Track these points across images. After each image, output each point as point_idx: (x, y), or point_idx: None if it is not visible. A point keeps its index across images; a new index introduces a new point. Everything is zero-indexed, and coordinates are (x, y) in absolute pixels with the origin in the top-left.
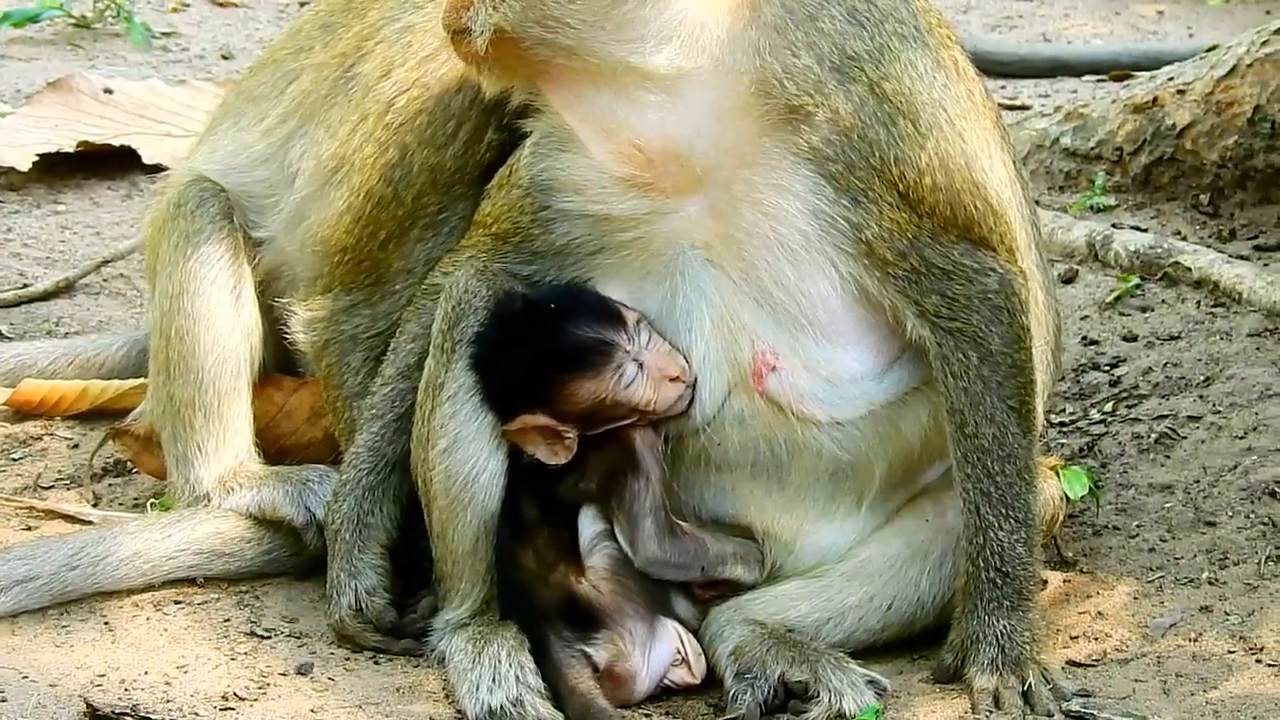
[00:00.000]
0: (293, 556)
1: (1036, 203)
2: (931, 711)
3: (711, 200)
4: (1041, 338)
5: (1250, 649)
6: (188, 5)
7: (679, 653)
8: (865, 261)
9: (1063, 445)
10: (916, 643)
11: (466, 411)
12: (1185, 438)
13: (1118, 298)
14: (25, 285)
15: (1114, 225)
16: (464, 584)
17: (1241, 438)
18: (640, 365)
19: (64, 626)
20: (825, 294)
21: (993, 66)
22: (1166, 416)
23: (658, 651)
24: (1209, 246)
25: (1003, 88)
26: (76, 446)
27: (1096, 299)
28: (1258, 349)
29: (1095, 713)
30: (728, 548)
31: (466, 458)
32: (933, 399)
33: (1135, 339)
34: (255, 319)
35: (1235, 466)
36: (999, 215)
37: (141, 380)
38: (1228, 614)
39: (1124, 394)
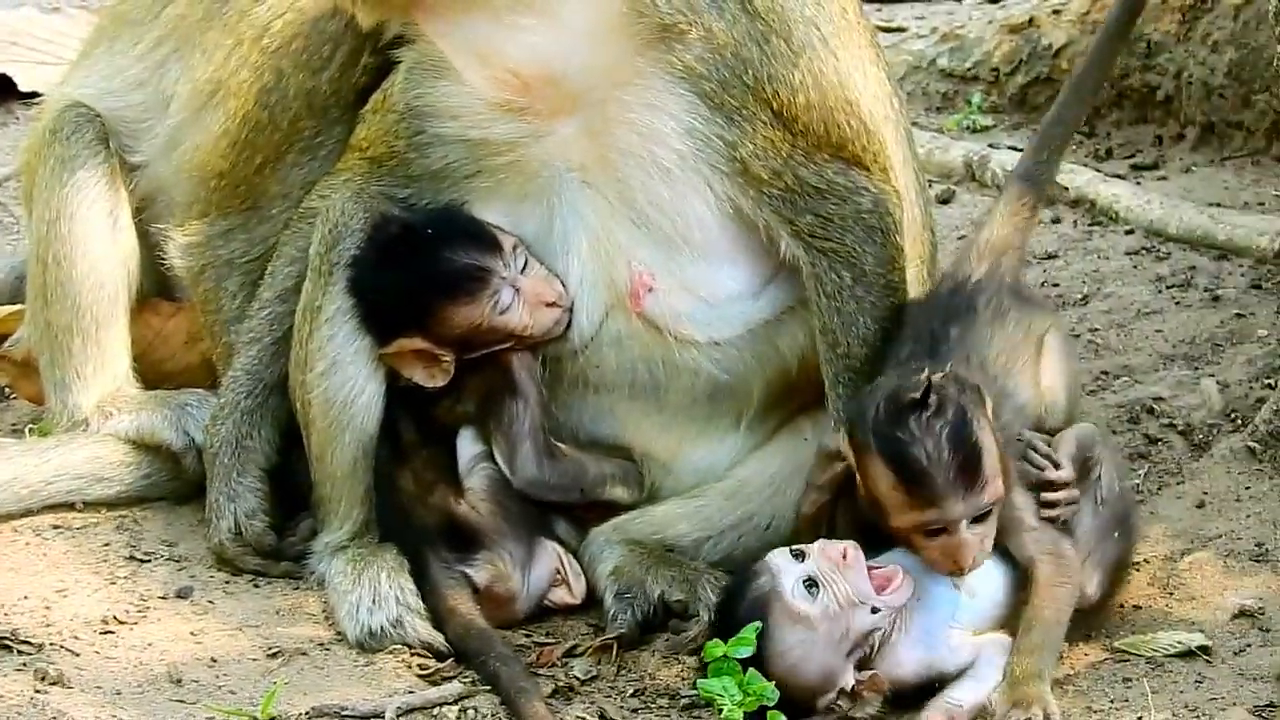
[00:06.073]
0: (171, 481)
1: (914, 124)
2: None
3: (587, 121)
4: (917, 257)
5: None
6: None
7: (558, 573)
8: (740, 180)
9: None
10: None
11: (344, 335)
12: None
13: None
14: None
15: (991, 145)
16: (343, 506)
17: (1119, 353)
18: (516, 291)
19: None
20: (700, 213)
21: None
22: None
23: (537, 572)
24: (1086, 166)
25: (879, 10)
26: None
27: (974, 219)
28: (1134, 267)
29: None
30: (607, 469)
31: (344, 380)
32: (809, 318)
33: None
34: (132, 244)
35: (1113, 384)
36: (872, 134)
37: (19, 306)
38: None
39: None
